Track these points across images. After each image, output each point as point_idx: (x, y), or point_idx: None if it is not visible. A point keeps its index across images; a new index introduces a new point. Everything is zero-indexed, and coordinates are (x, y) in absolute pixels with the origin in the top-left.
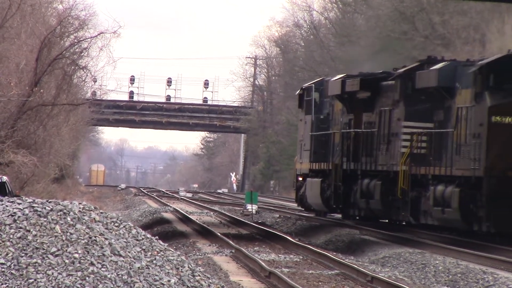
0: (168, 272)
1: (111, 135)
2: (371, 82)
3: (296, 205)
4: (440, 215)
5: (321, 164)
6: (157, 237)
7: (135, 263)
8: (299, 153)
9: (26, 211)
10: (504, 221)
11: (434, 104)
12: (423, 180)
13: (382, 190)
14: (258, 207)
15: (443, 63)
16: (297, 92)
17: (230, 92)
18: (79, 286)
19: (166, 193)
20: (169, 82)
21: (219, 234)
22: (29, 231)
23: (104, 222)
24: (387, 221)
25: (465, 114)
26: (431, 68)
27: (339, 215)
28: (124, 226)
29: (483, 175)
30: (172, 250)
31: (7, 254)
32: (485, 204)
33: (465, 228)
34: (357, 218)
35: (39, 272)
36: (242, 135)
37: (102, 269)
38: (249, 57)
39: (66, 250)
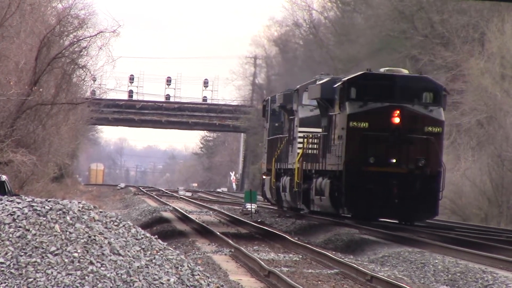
0: (167, 271)
1: (110, 134)
2: (289, 95)
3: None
4: (319, 202)
5: (270, 164)
6: (156, 236)
7: (134, 262)
8: (263, 155)
9: (26, 210)
10: (358, 206)
11: (321, 112)
12: (310, 174)
13: (291, 185)
14: (257, 206)
15: (327, 78)
16: (262, 103)
17: (229, 91)
18: (78, 285)
19: (166, 192)
20: (168, 81)
21: (218, 233)
22: (28, 230)
23: (104, 221)
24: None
25: (335, 120)
26: (317, 83)
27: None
28: (123, 225)
29: (343, 169)
30: (172, 249)
31: (6, 253)
32: (344, 192)
33: (334, 213)
34: (288, 209)
35: (38, 271)
36: (242, 134)
37: (102, 268)
38: (248, 57)
39: (66, 249)
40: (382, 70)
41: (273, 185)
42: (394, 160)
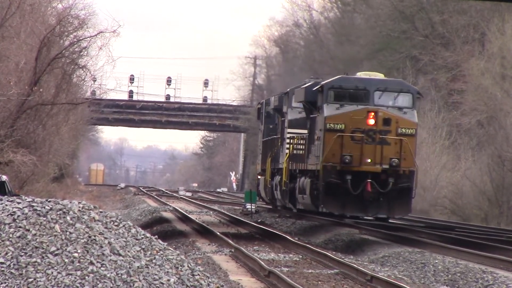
0: (167, 272)
1: (110, 134)
2: (282, 98)
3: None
4: (302, 200)
5: (264, 165)
6: (156, 236)
7: (134, 262)
8: (258, 156)
9: (26, 210)
10: (334, 204)
11: (306, 114)
12: (295, 174)
13: (280, 184)
14: (257, 206)
15: (312, 82)
16: (257, 106)
17: (229, 91)
18: (78, 285)
19: (166, 192)
20: (168, 81)
21: (218, 233)
22: (28, 230)
23: (104, 221)
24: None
25: (315, 122)
26: (301, 87)
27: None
28: (123, 225)
29: (320, 169)
30: (172, 249)
31: (6, 253)
32: (321, 190)
33: (314, 210)
34: (281, 207)
35: (38, 271)
36: (242, 134)
37: (102, 268)
38: (249, 57)
39: (66, 249)
40: (358, 74)
41: (268, 184)
42: (369, 160)
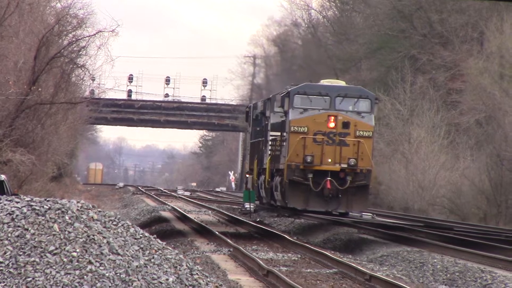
0: (166, 271)
1: (109, 134)
2: (266, 103)
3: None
4: (276, 197)
5: (252, 164)
6: (155, 235)
7: (133, 261)
8: (246, 156)
9: (24, 209)
10: (297, 199)
11: (284, 118)
12: (273, 173)
13: (265, 182)
14: (256, 205)
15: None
16: (245, 109)
17: (228, 90)
18: (77, 284)
19: (164, 192)
20: (167, 80)
21: (217, 232)
22: (27, 229)
23: (102, 220)
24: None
25: (284, 125)
26: (279, 93)
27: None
28: (122, 225)
29: (285, 168)
30: (170, 248)
31: (5, 253)
32: (286, 187)
33: (284, 206)
34: (266, 204)
35: (37, 270)
36: (241, 133)
37: (100, 267)
38: (247, 56)
39: (64, 248)
40: (322, 81)
41: (255, 183)
42: (329, 160)
